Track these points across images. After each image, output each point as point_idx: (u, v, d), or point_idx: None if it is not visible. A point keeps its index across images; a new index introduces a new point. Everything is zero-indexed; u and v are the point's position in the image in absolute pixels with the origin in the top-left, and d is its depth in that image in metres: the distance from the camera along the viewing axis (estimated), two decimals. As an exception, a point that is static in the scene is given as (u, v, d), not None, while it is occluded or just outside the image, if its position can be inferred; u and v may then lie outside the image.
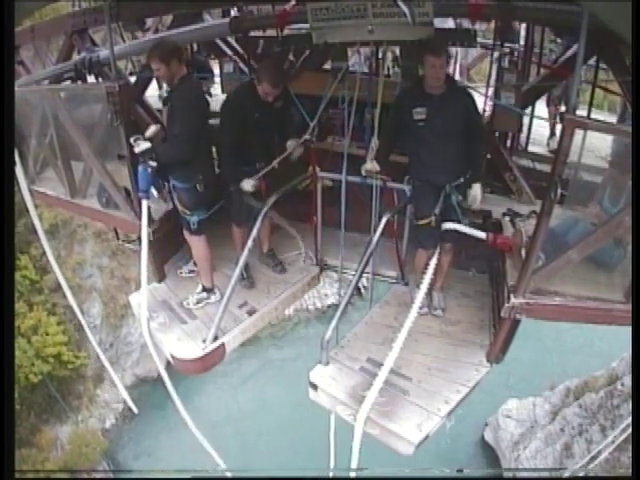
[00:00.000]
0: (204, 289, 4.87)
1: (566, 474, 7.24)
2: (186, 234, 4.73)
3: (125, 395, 8.99)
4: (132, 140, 4.11)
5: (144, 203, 4.32)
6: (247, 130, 4.40)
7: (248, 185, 4.52)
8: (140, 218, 4.64)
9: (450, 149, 4.05)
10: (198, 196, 4.46)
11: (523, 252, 3.64)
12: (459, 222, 4.16)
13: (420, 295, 4.08)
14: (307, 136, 4.68)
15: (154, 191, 4.28)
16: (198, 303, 4.84)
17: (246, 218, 4.73)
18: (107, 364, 8.53)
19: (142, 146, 4.09)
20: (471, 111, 4.04)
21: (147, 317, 4.63)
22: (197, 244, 4.75)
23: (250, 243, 4.40)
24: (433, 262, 4.31)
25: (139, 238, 5.08)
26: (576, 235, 3.58)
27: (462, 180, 4.14)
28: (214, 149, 4.80)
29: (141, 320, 4.71)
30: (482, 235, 4.03)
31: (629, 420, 5.72)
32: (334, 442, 4.47)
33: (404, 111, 4.06)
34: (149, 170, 4.14)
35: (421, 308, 4.33)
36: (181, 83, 4.17)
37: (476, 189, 4.12)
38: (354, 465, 3.81)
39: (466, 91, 4.20)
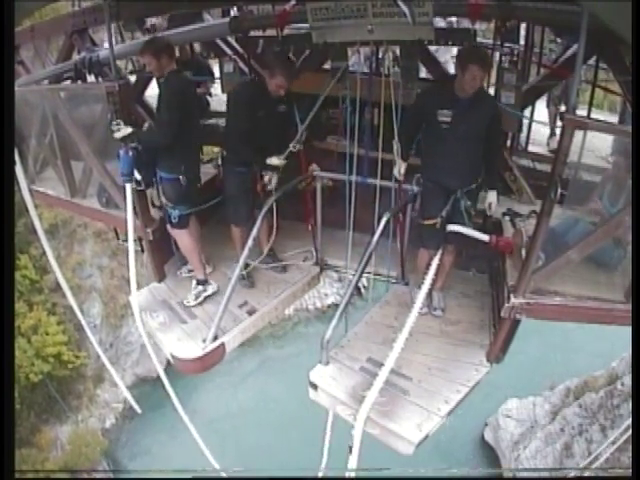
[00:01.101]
0: (198, 282, 4.88)
1: (571, 474, 7.25)
2: (168, 227, 4.76)
3: (127, 394, 8.98)
4: (113, 124, 4.14)
5: (127, 187, 4.33)
6: (251, 127, 4.40)
7: (276, 160, 4.49)
8: (140, 217, 4.67)
9: (468, 155, 4.00)
10: (181, 189, 4.50)
11: (523, 252, 3.64)
12: (464, 225, 4.16)
13: (422, 295, 4.08)
14: (292, 147, 4.63)
15: (137, 175, 4.32)
16: (197, 298, 4.83)
17: (245, 218, 4.73)
18: (108, 364, 8.52)
19: (123, 131, 4.14)
20: (494, 118, 4.00)
21: (136, 296, 4.80)
22: (180, 237, 4.79)
23: (250, 242, 4.40)
24: (435, 262, 4.30)
25: (139, 238, 5.11)
26: (576, 235, 3.59)
27: (473, 186, 4.13)
28: (217, 148, 4.82)
29: (135, 314, 4.82)
30: (485, 238, 4.02)
31: (629, 421, 5.72)
32: (332, 441, 4.47)
33: (428, 111, 3.99)
34: (130, 154, 4.20)
35: (421, 308, 4.33)
36: (169, 76, 4.30)
37: (492, 196, 4.14)
38: (353, 465, 3.80)
39: (492, 97, 4.16)
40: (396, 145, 4.25)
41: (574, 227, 3.75)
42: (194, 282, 4.90)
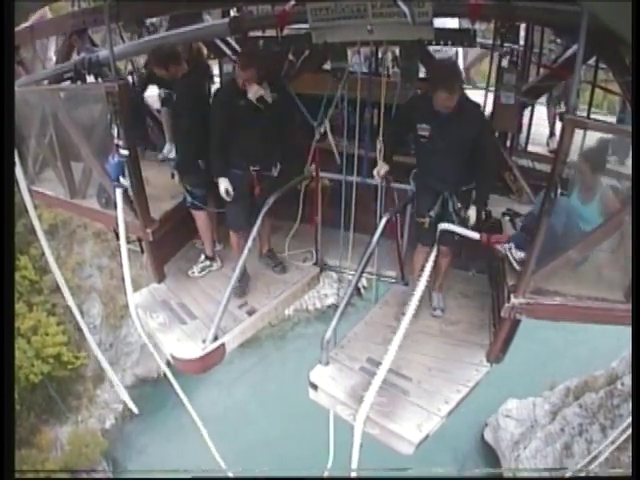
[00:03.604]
0: (206, 257, 5.17)
1: (567, 474, 7.24)
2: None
3: (125, 397, 8.93)
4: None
5: (118, 192, 4.48)
6: (238, 124, 4.36)
7: (225, 183, 4.51)
8: (140, 218, 4.67)
9: (451, 164, 3.99)
10: (199, 174, 4.73)
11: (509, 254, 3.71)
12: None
13: (416, 296, 4.05)
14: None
15: (124, 181, 4.42)
16: (202, 271, 5.14)
17: (243, 224, 4.73)
18: (107, 366, 8.46)
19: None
20: (481, 131, 3.93)
21: (131, 294, 4.99)
22: (196, 216, 5.00)
23: (250, 243, 4.41)
24: (430, 262, 4.29)
25: (139, 239, 5.11)
26: (558, 214, 3.51)
27: (464, 188, 4.11)
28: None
29: (133, 316, 4.95)
30: (476, 236, 4.01)
31: (629, 420, 5.71)
32: (334, 441, 4.48)
33: (410, 122, 4.01)
34: (117, 160, 4.35)
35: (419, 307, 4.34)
36: (178, 82, 4.63)
37: (472, 212, 4.07)
38: (354, 465, 3.80)
39: (477, 109, 4.05)
40: (379, 144, 4.26)
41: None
42: (202, 256, 5.19)
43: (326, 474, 4.83)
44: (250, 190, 4.63)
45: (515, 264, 3.69)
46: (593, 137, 3.51)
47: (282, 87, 4.67)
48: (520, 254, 3.65)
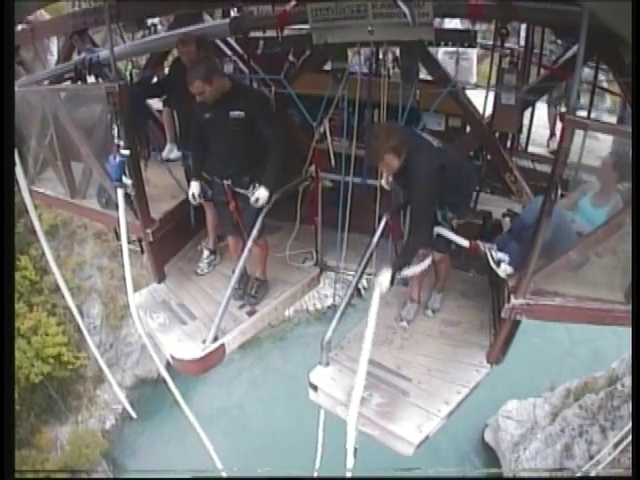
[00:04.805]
0: (210, 252, 5.29)
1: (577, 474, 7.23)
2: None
3: (123, 400, 8.92)
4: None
5: (119, 192, 4.45)
6: (206, 135, 4.40)
7: (194, 188, 4.58)
8: (139, 218, 4.68)
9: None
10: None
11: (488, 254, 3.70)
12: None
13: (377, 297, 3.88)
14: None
15: (127, 180, 4.41)
16: (209, 266, 5.28)
17: (230, 229, 4.78)
18: (105, 368, 8.44)
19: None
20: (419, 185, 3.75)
21: (132, 294, 5.01)
22: (206, 207, 5.01)
23: (250, 243, 4.41)
24: (425, 263, 4.25)
25: (139, 239, 5.12)
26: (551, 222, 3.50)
27: (454, 200, 4.05)
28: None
29: (134, 317, 4.96)
30: (465, 243, 3.98)
31: (630, 425, 5.71)
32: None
33: None
34: (118, 160, 4.33)
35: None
36: None
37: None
38: (349, 465, 3.79)
39: (421, 166, 3.71)
40: None
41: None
42: (206, 252, 5.29)
43: (315, 474, 4.83)
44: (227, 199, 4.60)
45: (493, 264, 3.68)
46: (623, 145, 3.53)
47: (256, 104, 4.29)
48: (499, 255, 3.64)
